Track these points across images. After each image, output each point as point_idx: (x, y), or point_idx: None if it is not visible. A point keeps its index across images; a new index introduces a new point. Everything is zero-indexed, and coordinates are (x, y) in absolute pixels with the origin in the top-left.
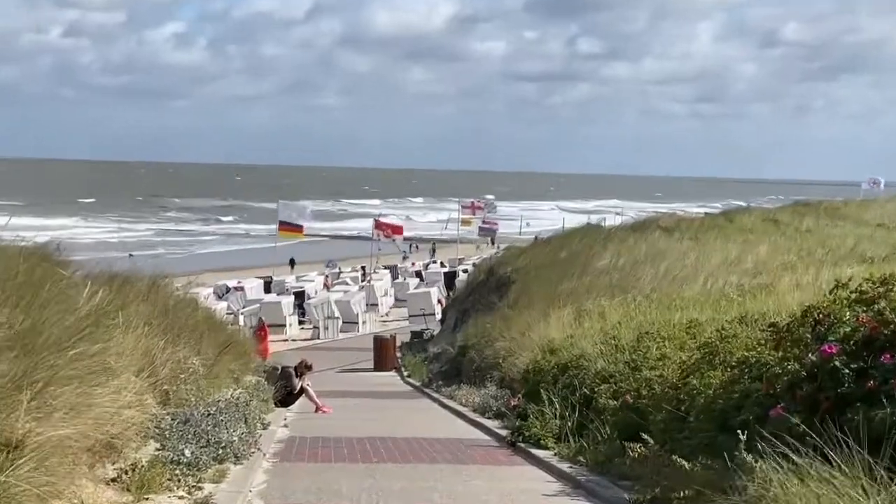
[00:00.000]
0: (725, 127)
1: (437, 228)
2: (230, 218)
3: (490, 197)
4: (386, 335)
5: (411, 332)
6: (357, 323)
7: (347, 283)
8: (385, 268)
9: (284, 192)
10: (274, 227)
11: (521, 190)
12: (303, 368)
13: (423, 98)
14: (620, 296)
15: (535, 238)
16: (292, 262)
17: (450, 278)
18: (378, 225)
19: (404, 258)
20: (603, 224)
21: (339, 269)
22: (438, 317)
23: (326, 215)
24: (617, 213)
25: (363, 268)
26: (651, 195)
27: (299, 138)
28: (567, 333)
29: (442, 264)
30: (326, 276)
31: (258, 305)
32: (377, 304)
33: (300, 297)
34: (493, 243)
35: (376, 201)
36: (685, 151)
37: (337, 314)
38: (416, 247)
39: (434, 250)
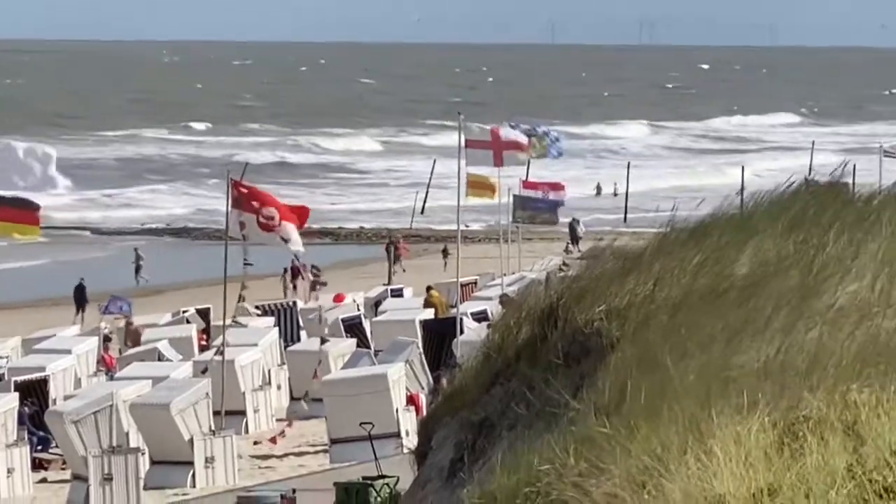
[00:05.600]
0: None
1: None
2: None
3: (548, 131)
4: (271, 497)
5: (337, 484)
6: (191, 464)
7: (162, 357)
8: (264, 311)
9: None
10: None
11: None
12: None
13: None
14: None
15: (668, 226)
16: (80, 297)
17: (438, 338)
18: (239, 198)
19: (315, 286)
20: (848, 182)
21: (130, 322)
22: (410, 442)
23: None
24: (889, 154)
25: (203, 313)
26: None
27: None
28: (760, 482)
29: (433, 299)
30: (107, 337)
31: None
32: (244, 412)
33: (35, 395)
34: (574, 242)
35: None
36: None
37: (137, 441)
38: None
39: (393, 260)
